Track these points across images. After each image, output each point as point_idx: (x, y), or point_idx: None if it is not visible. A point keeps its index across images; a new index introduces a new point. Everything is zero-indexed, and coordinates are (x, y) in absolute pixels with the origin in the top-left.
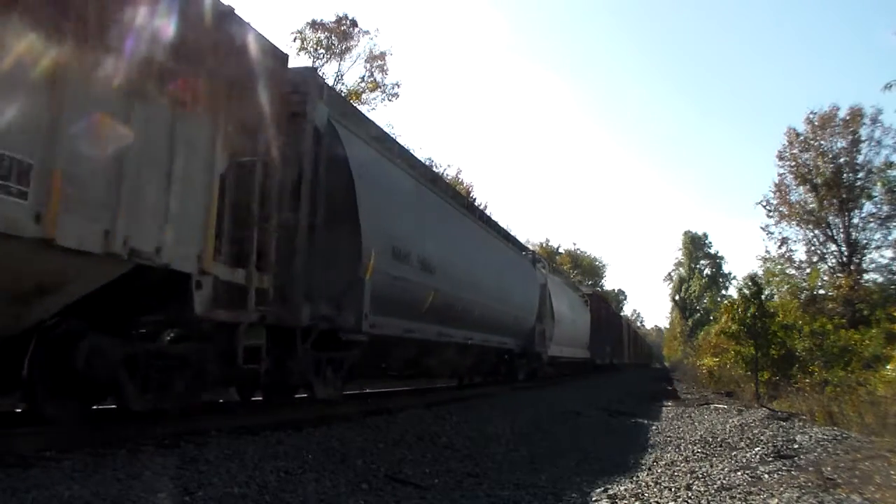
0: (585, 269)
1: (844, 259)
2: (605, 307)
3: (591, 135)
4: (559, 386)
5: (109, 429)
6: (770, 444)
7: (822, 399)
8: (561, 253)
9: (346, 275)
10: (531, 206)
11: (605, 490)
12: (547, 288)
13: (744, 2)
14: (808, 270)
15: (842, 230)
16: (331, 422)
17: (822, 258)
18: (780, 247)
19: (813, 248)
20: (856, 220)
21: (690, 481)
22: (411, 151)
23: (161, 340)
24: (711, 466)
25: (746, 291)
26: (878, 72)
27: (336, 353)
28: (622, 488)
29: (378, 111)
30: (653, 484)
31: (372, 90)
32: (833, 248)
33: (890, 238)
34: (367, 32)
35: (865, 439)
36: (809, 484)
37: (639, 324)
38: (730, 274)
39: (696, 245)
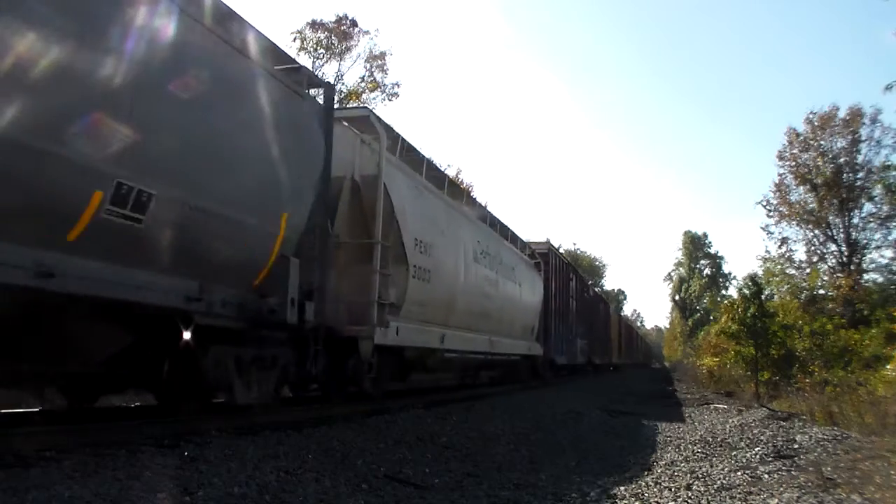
0: (585, 269)
1: (844, 259)
2: (578, 281)
3: (591, 135)
4: (559, 386)
5: (109, 429)
6: (770, 444)
7: (822, 399)
8: (561, 253)
9: None
10: (531, 206)
11: (605, 490)
12: (379, 185)
13: (743, 3)
14: (808, 270)
15: (842, 230)
16: (331, 422)
17: (822, 258)
18: (780, 247)
19: (813, 248)
20: (856, 220)
21: (690, 481)
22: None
23: None
24: (711, 466)
25: (746, 291)
26: (878, 72)
27: None
28: (622, 488)
29: (378, 111)
30: (653, 484)
31: (372, 90)
32: (833, 248)
33: (890, 238)
34: (367, 32)
35: (865, 439)
36: (809, 484)
37: (639, 324)
38: (730, 274)
39: (696, 245)
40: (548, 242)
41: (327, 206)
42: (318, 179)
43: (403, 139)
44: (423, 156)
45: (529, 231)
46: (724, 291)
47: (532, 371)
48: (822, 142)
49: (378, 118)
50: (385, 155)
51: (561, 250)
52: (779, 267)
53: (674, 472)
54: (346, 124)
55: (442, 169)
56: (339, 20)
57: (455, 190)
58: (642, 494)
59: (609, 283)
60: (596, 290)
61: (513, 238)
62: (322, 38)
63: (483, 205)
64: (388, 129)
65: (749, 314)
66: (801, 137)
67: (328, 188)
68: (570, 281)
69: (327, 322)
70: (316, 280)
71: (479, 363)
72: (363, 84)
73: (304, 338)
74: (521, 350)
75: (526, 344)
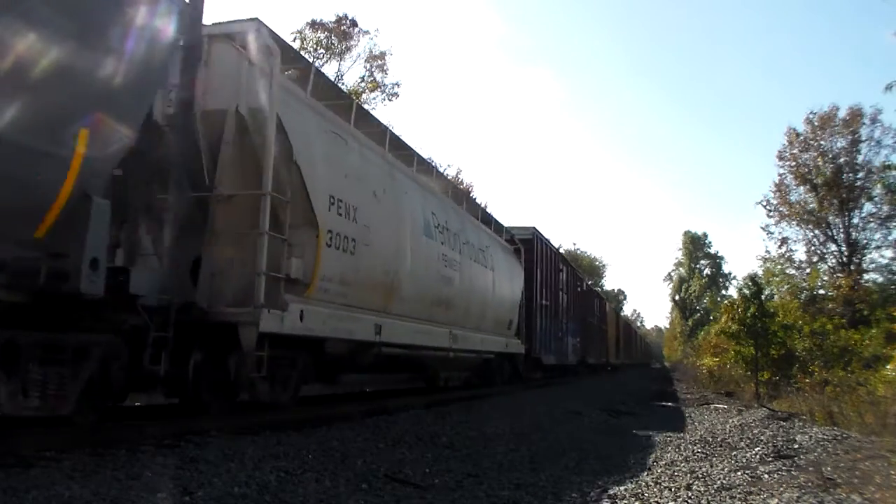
0: (585, 269)
1: (844, 259)
2: (570, 274)
3: (590, 135)
4: (560, 386)
5: (109, 429)
6: (770, 444)
7: (822, 399)
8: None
9: None
10: (531, 206)
11: (605, 490)
12: (270, 117)
13: (741, 8)
14: (808, 270)
15: (842, 230)
16: (331, 422)
17: (822, 258)
18: (780, 247)
19: (813, 248)
20: (856, 220)
21: (690, 481)
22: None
23: None
24: (711, 466)
25: (746, 291)
26: (877, 74)
27: None
28: (622, 488)
29: (378, 111)
30: (653, 484)
31: (372, 90)
32: (833, 248)
33: (890, 238)
34: (367, 32)
35: (865, 439)
36: (809, 484)
37: (639, 324)
38: (730, 274)
39: (696, 245)
40: (532, 228)
41: (195, 142)
42: (170, 98)
43: (319, 71)
44: (351, 99)
45: None
46: (724, 291)
47: (513, 371)
48: (822, 142)
49: (273, 33)
50: (280, 80)
51: (561, 250)
52: (779, 267)
53: (674, 472)
54: (235, 45)
55: (396, 132)
56: (339, 20)
57: (405, 153)
58: (642, 494)
59: (609, 283)
60: (595, 288)
61: (485, 218)
62: (322, 38)
63: (445, 174)
64: (289, 49)
65: (749, 314)
66: (801, 137)
67: (189, 114)
68: (559, 272)
69: (199, 302)
70: (166, 239)
71: (438, 361)
72: (363, 84)
73: (142, 324)
74: (495, 347)
75: (502, 340)
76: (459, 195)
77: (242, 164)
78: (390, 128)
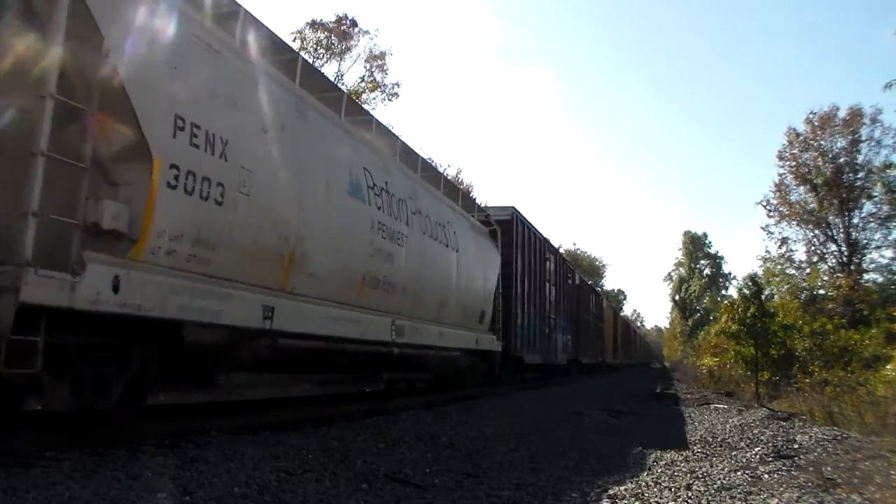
0: (585, 269)
1: (844, 259)
2: (559, 264)
3: (587, 135)
4: (559, 387)
5: (109, 429)
6: (770, 444)
7: (822, 399)
8: (561, 253)
9: None
10: (531, 207)
11: (605, 490)
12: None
13: (738, 10)
14: (808, 270)
15: (842, 230)
16: (331, 422)
17: (822, 258)
18: (780, 247)
19: (813, 248)
20: (856, 220)
21: (690, 481)
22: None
23: None
24: (711, 466)
25: (746, 291)
26: (876, 75)
27: None
28: (622, 488)
29: (378, 111)
30: (653, 484)
31: (372, 90)
32: (833, 248)
33: (890, 238)
34: (367, 32)
35: (865, 439)
36: (809, 484)
37: (639, 324)
38: (730, 274)
39: (696, 245)
40: (511, 207)
41: None
42: None
43: None
44: (239, 7)
45: None
46: (724, 291)
47: (489, 371)
48: (822, 142)
49: None
50: None
51: (560, 250)
52: (779, 267)
53: (674, 472)
54: None
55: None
56: (339, 20)
57: (329, 94)
58: (642, 494)
59: (609, 283)
60: (578, 273)
61: (450, 190)
62: (322, 38)
63: (391, 130)
64: None
65: (749, 314)
66: (801, 137)
67: None
68: (546, 261)
69: None
70: None
71: (378, 359)
72: (363, 84)
73: None
74: (461, 343)
75: (471, 335)
76: (412, 157)
77: (27, 60)
78: (302, 55)
